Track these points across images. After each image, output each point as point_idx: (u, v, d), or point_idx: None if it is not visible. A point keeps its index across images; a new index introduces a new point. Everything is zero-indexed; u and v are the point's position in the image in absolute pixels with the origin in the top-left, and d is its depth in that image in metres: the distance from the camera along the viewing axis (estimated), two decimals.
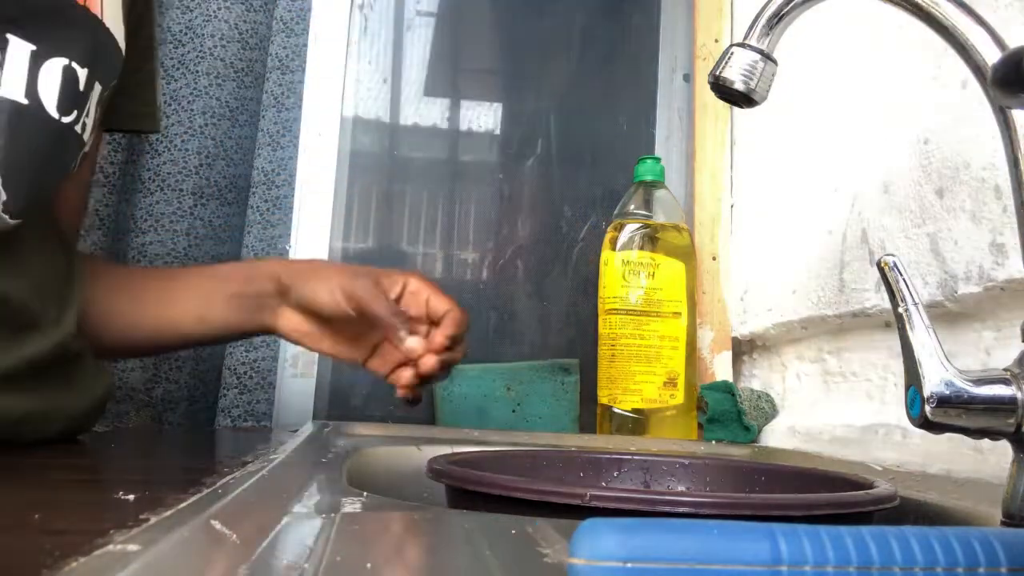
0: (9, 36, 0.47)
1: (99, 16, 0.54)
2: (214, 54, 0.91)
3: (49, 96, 0.49)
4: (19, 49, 0.48)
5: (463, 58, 1.05)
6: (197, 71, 0.90)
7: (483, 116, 1.02)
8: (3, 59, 0.47)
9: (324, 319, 0.65)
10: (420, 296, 0.65)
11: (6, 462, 0.42)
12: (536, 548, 0.24)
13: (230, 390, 0.84)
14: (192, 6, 0.91)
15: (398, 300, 0.64)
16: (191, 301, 0.65)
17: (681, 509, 0.33)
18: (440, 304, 0.64)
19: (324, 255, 0.91)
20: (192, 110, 0.90)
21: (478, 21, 1.05)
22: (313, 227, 0.91)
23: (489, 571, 0.21)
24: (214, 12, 0.92)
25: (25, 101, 0.48)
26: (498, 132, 1.02)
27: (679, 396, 0.81)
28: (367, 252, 0.97)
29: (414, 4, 1.02)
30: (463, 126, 1.02)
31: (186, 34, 0.91)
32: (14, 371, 0.50)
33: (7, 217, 0.48)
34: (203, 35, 0.91)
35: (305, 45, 0.92)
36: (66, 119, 0.51)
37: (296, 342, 0.67)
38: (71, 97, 0.51)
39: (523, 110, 1.03)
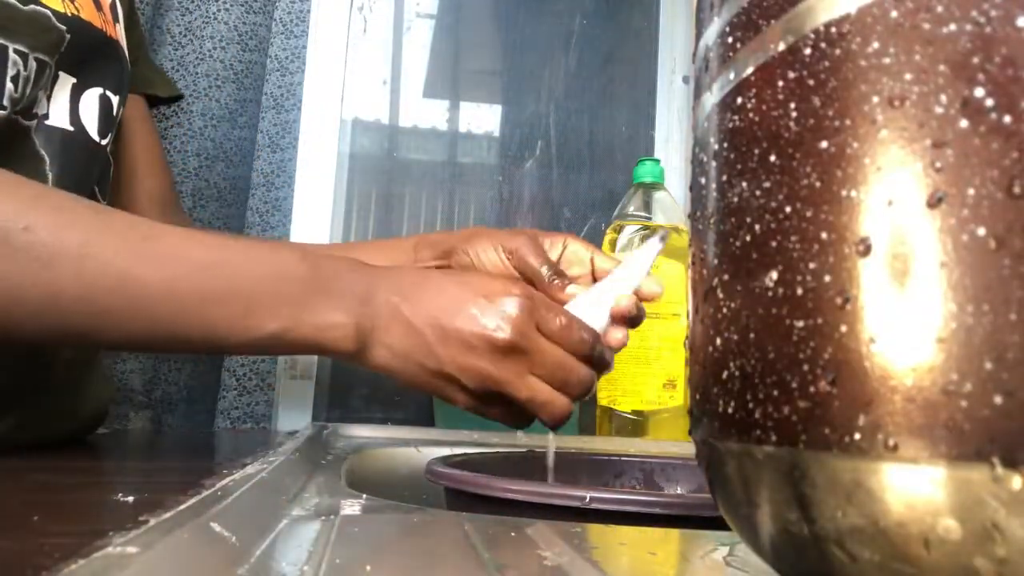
0: (60, 73, 0.52)
1: (121, 43, 0.59)
2: (213, 56, 0.91)
3: (90, 122, 0.54)
4: (64, 83, 0.53)
5: (462, 60, 1.05)
6: (196, 73, 0.90)
7: (482, 118, 1.02)
8: (52, 92, 0.51)
9: None
10: (582, 254, 0.58)
11: (5, 463, 0.42)
12: (536, 550, 0.24)
13: (229, 392, 0.83)
14: (191, 8, 0.91)
15: (558, 261, 0.58)
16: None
17: (681, 511, 0.33)
18: (606, 263, 0.57)
19: None
20: (191, 112, 0.90)
21: (477, 23, 1.05)
22: (312, 229, 0.91)
23: (488, 573, 0.21)
24: (213, 14, 0.92)
25: (71, 128, 0.53)
26: (497, 134, 1.02)
27: (679, 397, 0.81)
28: None
29: (413, 6, 1.02)
30: (462, 128, 1.02)
31: (185, 36, 0.91)
32: (22, 379, 0.51)
33: None
34: (202, 37, 0.91)
35: (304, 47, 0.92)
36: (103, 141, 0.56)
37: None
38: (107, 122, 0.56)
39: (522, 112, 1.03)
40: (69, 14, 0.51)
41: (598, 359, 0.48)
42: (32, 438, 0.51)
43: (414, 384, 0.46)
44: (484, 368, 0.44)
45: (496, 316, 0.44)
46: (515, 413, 0.47)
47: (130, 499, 0.28)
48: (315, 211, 0.91)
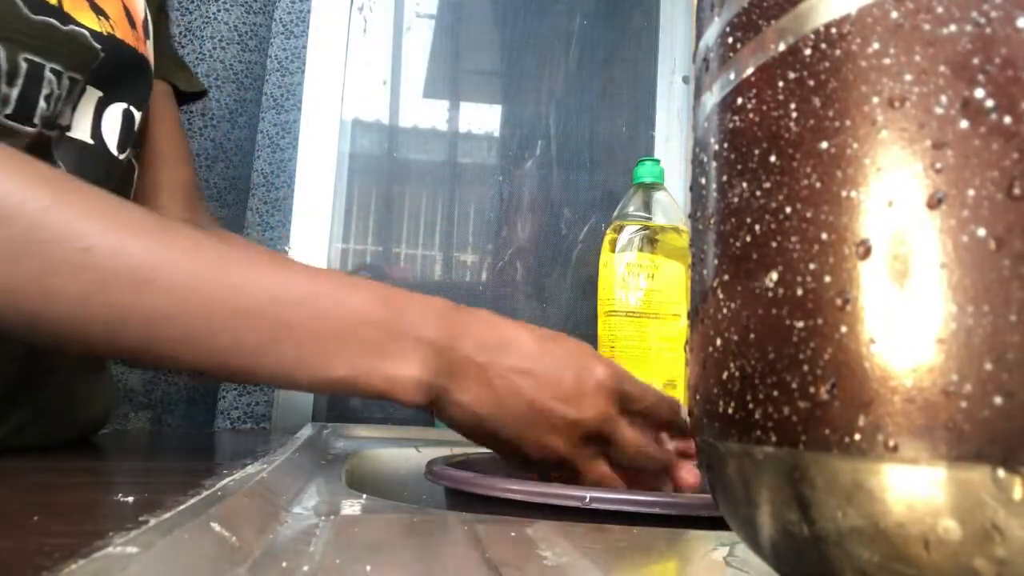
0: (87, 87, 0.52)
1: (150, 59, 0.58)
2: (213, 56, 0.91)
3: (111, 136, 0.54)
4: (90, 97, 0.52)
5: (462, 60, 1.05)
6: (196, 73, 0.90)
7: (483, 118, 1.02)
8: (77, 105, 0.51)
9: None
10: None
11: (5, 463, 0.42)
12: (536, 550, 0.24)
13: (229, 392, 0.83)
14: (191, 8, 0.91)
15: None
16: None
17: (681, 511, 0.33)
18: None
19: (324, 257, 0.91)
20: (191, 112, 0.90)
21: (477, 23, 1.05)
22: (312, 229, 0.91)
23: (488, 573, 0.21)
24: (213, 14, 0.92)
25: (91, 142, 0.52)
26: (497, 134, 1.02)
27: (678, 398, 0.81)
28: (367, 254, 0.97)
29: (413, 6, 1.02)
30: (462, 128, 1.02)
31: (185, 36, 0.91)
32: (31, 388, 0.51)
33: None
34: (202, 37, 0.91)
35: (304, 47, 0.92)
36: (122, 156, 0.55)
37: None
38: (127, 136, 0.56)
39: (522, 112, 1.03)
40: (105, 33, 0.51)
41: (680, 428, 0.47)
42: (34, 441, 0.51)
43: (481, 443, 0.44)
44: (559, 448, 0.42)
45: (582, 399, 0.42)
46: (574, 479, 0.45)
47: (130, 499, 0.28)
48: (315, 211, 0.91)
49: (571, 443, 0.43)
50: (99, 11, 0.52)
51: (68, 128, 0.51)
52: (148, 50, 0.59)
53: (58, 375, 0.54)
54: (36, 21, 0.47)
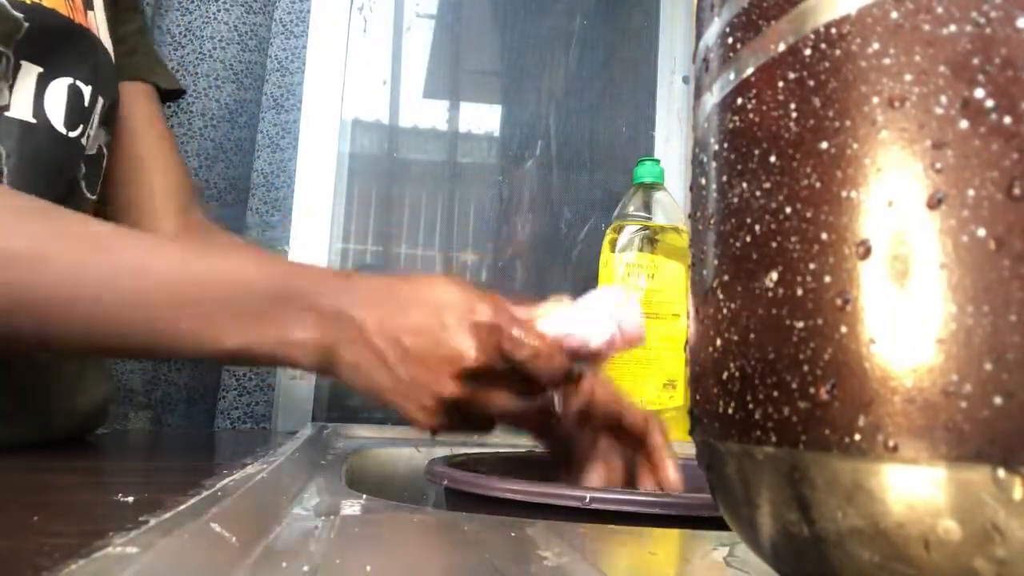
0: (22, 62, 0.50)
1: (96, 35, 0.56)
2: (213, 56, 0.91)
3: (56, 114, 0.52)
4: (28, 73, 0.51)
5: (462, 60, 1.05)
6: (196, 73, 0.90)
7: (482, 118, 1.02)
8: (14, 83, 0.50)
9: None
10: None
11: (5, 464, 0.42)
12: (536, 550, 0.24)
13: (229, 392, 0.83)
14: (191, 8, 0.91)
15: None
16: None
17: (681, 511, 0.33)
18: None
19: (324, 257, 0.91)
20: (191, 112, 0.90)
21: (477, 23, 1.05)
22: (313, 229, 0.91)
23: (488, 573, 0.21)
24: (213, 14, 0.92)
25: (33, 120, 0.51)
26: (497, 134, 1.03)
27: (678, 398, 0.81)
28: (367, 255, 0.97)
29: (413, 6, 1.02)
30: (462, 128, 1.02)
31: (185, 36, 0.91)
32: (20, 377, 0.50)
33: None
34: (202, 37, 0.91)
35: (304, 47, 0.92)
36: (72, 133, 0.54)
37: None
38: (77, 112, 0.54)
39: (522, 112, 1.03)
40: (28, 1, 0.49)
41: (574, 375, 0.46)
42: (30, 437, 0.51)
43: (377, 401, 0.46)
44: (445, 389, 0.43)
45: (462, 339, 0.42)
46: (476, 423, 0.46)
47: (130, 499, 0.28)
48: (315, 211, 0.91)
49: (456, 384, 0.43)
50: None
51: (7, 107, 0.49)
52: (91, 21, 0.56)
53: (43, 362, 0.53)
54: None
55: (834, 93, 0.15)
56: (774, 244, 0.16)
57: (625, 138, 1.02)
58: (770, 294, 0.16)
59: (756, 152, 0.17)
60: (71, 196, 0.54)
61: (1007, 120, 0.13)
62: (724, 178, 0.18)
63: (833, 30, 0.15)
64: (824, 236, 0.15)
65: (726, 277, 0.18)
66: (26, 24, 0.49)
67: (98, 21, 0.58)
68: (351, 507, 0.31)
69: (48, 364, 0.53)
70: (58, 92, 0.52)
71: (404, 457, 0.62)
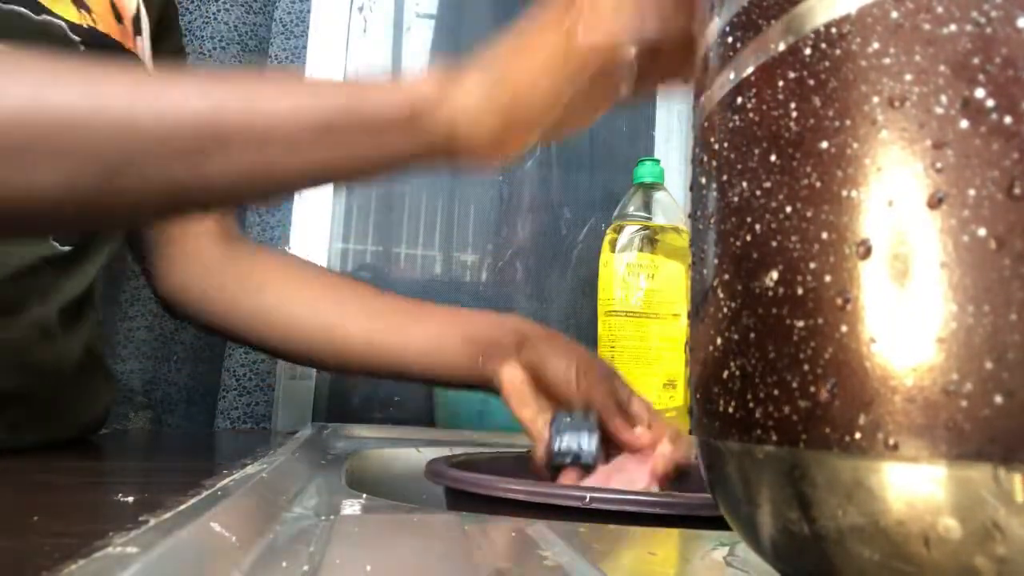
0: None
1: (141, 56, 0.57)
2: (213, 56, 0.91)
3: None
4: None
5: (462, 60, 1.05)
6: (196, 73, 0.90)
7: None
8: None
9: (542, 388, 0.55)
10: (642, 418, 0.55)
11: (5, 464, 0.42)
12: (536, 550, 0.24)
13: (229, 392, 0.83)
14: (191, 8, 0.91)
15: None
16: (424, 333, 0.58)
17: (681, 511, 0.33)
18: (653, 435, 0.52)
19: (324, 257, 0.91)
20: None
21: (477, 23, 1.05)
22: (312, 228, 0.91)
23: (488, 573, 0.21)
24: (213, 14, 0.92)
25: None
26: None
27: (678, 398, 0.81)
28: (367, 254, 0.97)
29: (413, 6, 1.02)
30: None
31: (185, 36, 0.91)
32: (28, 388, 0.51)
33: (57, 244, 0.52)
34: (202, 37, 0.91)
35: (304, 47, 0.92)
36: None
37: (507, 396, 0.54)
38: None
39: None
40: (85, 25, 0.50)
41: None
42: (32, 440, 0.51)
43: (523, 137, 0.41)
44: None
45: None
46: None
47: (130, 499, 0.28)
48: (315, 211, 0.91)
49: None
50: (80, 3, 0.51)
51: None
52: (139, 47, 0.57)
53: (54, 372, 0.54)
54: (3, 10, 0.45)
55: (834, 93, 0.15)
56: (774, 243, 0.16)
57: (625, 138, 1.02)
58: (770, 293, 0.16)
59: (756, 151, 0.17)
60: None
61: (1007, 120, 0.13)
62: (724, 177, 0.18)
63: (833, 30, 0.15)
64: (824, 235, 0.15)
65: (726, 276, 0.18)
66: (82, 48, 0.50)
67: (144, 46, 0.58)
68: (351, 507, 0.31)
69: (57, 374, 0.54)
70: None
71: (404, 457, 0.63)
